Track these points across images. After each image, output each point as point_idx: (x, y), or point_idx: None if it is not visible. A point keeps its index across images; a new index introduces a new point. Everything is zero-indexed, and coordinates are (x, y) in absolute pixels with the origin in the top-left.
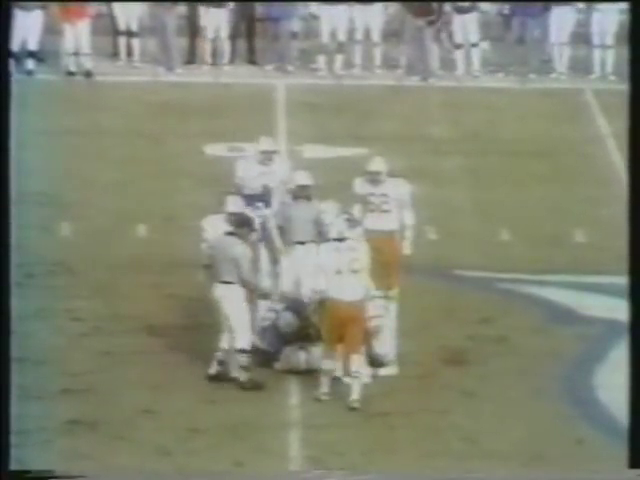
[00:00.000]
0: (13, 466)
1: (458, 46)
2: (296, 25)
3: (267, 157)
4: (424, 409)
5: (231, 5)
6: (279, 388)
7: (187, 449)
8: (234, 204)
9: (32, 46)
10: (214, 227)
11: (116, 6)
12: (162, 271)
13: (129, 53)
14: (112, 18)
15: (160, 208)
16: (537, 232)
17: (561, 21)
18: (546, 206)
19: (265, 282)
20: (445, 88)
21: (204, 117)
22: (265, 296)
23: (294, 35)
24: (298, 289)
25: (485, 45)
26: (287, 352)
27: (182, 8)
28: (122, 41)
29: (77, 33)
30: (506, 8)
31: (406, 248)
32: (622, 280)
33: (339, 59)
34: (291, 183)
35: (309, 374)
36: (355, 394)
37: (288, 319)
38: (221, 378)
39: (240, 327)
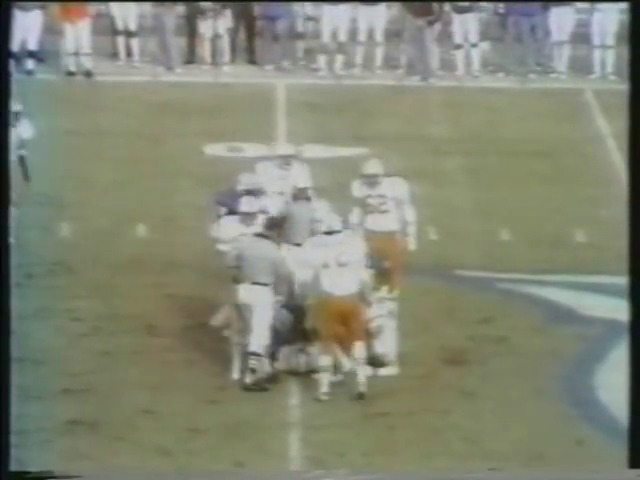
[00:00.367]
0: (13, 466)
1: (458, 46)
2: (300, 25)
3: (286, 161)
4: (424, 409)
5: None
6: (279, 388)
7: (187, 449)
8: (248, 204)
9: (32, 46)
10: (230, 228)
11: (113, 6)
12: (162, 271)
13: (129, 53)
14: (111, 18)
15: (160, 208)
16: (537, 232)
17: (561, 21)
18: (546, 206)
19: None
20: (445, 88)
21: (204, 117)
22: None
23: (298, 35)
24: (295, 288)
25: (485, 45)
26: (286, 352)
27: (181, 8)
28: (121, 41)
29: (78, 33)
30: (501, 7)
31: (410, 244)
32: (622, 280)
33: (339, 59)
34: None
35: (309, 374)
36: (362, 378)
37: (283, 317)
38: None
39: (261, 330)
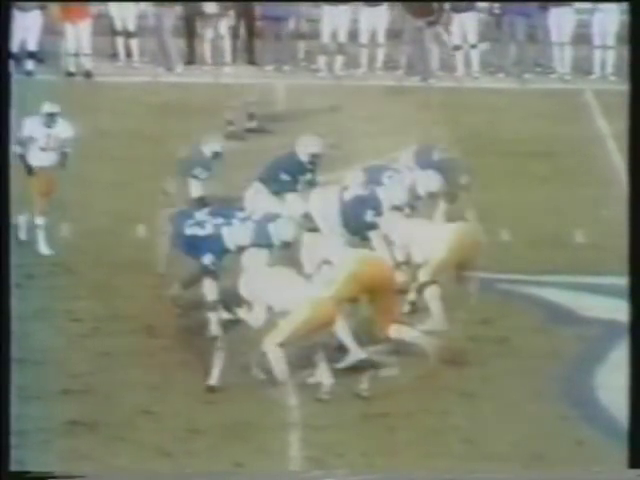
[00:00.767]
0: (13, 467)
1: (457, 47)
2: (303, 26)
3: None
4: (424, 410)
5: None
6: (279, 388)
7: (187, 450)
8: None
9: (32, 46)
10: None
11: (112, 6)
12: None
13: (128, 53)
14: (110, 18)
15: (160, 208)
16: (537, 232)
17: (560, 21)
18: (546, 206)
19: None
20: (445, 88)
21: (204, 117)
22: None
23: (299, 36)
24: None
25: (484, 46)
26: None
27: (181, 8)
28: (120, 41)
29: (78, 33)
30: (496, 7)
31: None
32: (622, 280)
33: (339, 60)
34: None
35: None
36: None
37: None
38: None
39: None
